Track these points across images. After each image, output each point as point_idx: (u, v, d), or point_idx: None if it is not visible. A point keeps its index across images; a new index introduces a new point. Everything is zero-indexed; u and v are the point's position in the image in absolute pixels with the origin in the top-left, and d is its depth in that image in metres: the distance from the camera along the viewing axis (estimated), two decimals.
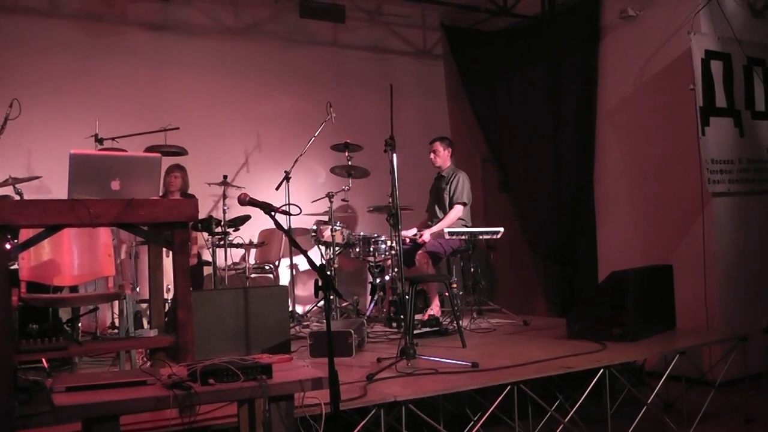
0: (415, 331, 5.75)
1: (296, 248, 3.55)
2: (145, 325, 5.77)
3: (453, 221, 6.92)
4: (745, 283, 6.65)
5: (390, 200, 5.65)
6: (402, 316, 6.20)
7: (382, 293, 7.13)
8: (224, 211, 7.25)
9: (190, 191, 7.29)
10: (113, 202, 3.71)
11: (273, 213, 3.60)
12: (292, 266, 7.78)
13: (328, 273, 7.02)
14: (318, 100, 7.75)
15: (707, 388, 5.46)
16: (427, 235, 6.86)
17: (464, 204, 7.05)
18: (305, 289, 8.37)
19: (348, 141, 7.56)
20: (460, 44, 9.31)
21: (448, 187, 7.12)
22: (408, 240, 7.00)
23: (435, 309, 6.82)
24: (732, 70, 6.75)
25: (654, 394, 5.09)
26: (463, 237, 6.73)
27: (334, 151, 7.76)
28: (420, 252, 6.78)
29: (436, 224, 7.04)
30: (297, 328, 6.68)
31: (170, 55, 7.96)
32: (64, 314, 5.53)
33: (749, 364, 5.62)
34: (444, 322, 6.45)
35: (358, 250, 7.29)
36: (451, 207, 7.07)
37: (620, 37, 7.42)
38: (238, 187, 7.33)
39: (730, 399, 5.52)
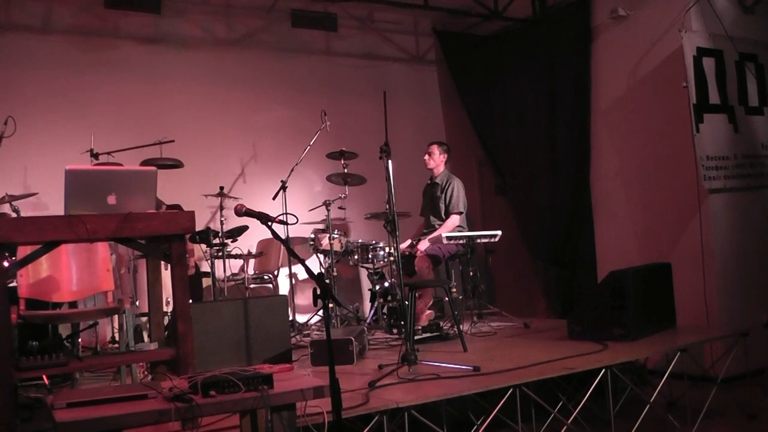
0: (416, 337, 5.75)
1: (294, 258, 3.55)
2: (146, 338, 5.77)
3: (450, 230, 6.92)
4: (744, 279, 6.65)
5: (387, 207, 5.66)
6: (402, 323, 6.19)
7: (381, 300, 7.13)
8: (222, 222, 7.26)
9: (188, 203, 7.25)
10: (110, 217, 3.71)
11: (270, 223, 3.60)
12: (291, 275, 7.77)
13: (327, 281, 7.02)
14: (312, 108, 7.76)
15: (710, 385, 5.45)
16: (423, 245, 6.86)
17: (461, 213, 7.06)
18: (305, 298, 8.36)
19: (343, 149, 7.57)
20: (452, 49, 9.34)
21: (443, 195, 7.13)
22: (406, 252, 7.02)
23: (424, 311, 6.80)
24: (724, 66, 6.77)
25: (656, 392, 5.09)
26: (461, 241, 6.74)
27: (329, 159, 7.77)
28: (420, 256, 6.78)
29: (431, 233, 7.05)
30: (297, 337, 6.68)
31: (164, 68, 7.97)
32: (64, 330, 5.53)
33: (750, 359, 5.63)
34: (444, 327, 6.45)
35: (356, 257, 7.30)
36: (447, 216, 7.08)
37: (612, 37, 7.44)
38: (234, 198, 7.34)
39: (733, 395, 5.52)
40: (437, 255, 6.82)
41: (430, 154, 7.27)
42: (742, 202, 6.78)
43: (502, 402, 4.34)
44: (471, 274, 7.05)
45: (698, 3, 6.65)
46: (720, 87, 6.72)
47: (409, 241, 7.26)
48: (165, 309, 4.93)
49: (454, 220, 7.03)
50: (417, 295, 6.61)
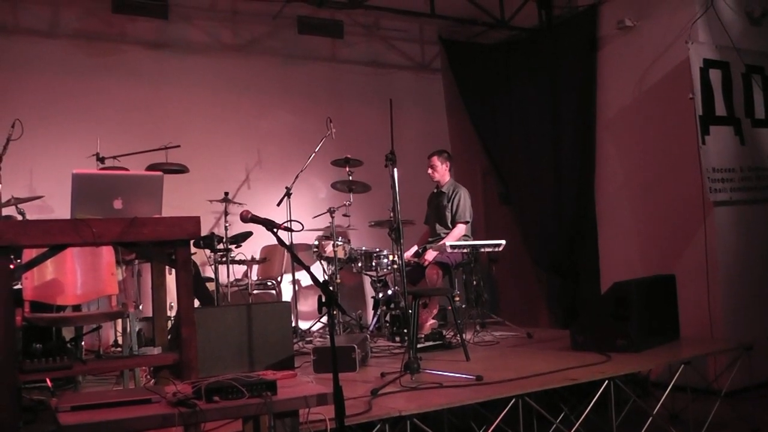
0: (419, 345, 5.75)
1: (299, 264, 3.55)
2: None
3: (456, 239, 6.91)
4: (749, 292, 6.63)
5: (391, 215, 5.66)
6: (405, 331, 6.19)
7: (384, 308, 7.13)
8: (226, 228, 7.26)
9: (193, 208, 7.22)
10: (116, 221, 3.72)
11: (275, 230, 3.60)
12: (295, 282, 7.78)
13: (331, 288, 7.01)
14: (318, 115, 7.77)
15: (713, 398, 5.43)
16: (430, 256, 6.86)
17: (467, 222, 7.06)
18: (308, 305, 8.36)
19: (348, 156, 7.58)
20: (458, 57, 9.34)
21: (450, 204, 7.12)
22: (412, 261, 7.01)
23: (428, 320, 6.79)
24: (731, 78, 6.76)
25: (659, 404, 5.07)
26: (465, 250, 6.73)
27: (334, 166, 7.78)
28: (430, 266, 6.77)
29: (436, 242, 7.04)
30: (300, 343, 6.67)
31: (170, 73, 7.99)
32: (68, 333, 5.52)
33: (754, 372, 5.61)
34: (447, 336, 6.44)
35: (360, 264, 7.29)
36: (453, 225, 7.08)
37: (618, 48, 7.43)
38: (239, 203, 7.34)
39: (736, 408, 5.50)
40: (447, 263, 6.81)
41: (432, 168, 7.23)
42: (747, 215, 6.76)
43: (504, 412, 4.33)
44: (474, 283, 7.05)
45: (705, 14, 6.64)
46: (726, 99, 6.71)
47: (414, 248, 7.25)
48: (169, 313, 4.94)
49: (461, 229, 7.02)
50: (422, 303, 6.61)
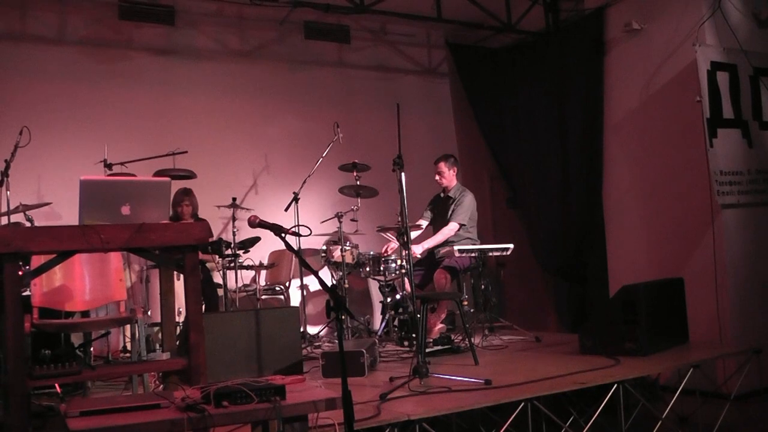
0: (427, 350, 5.74)
1: (307, 269, 3.55)
2: (157, 348, 5.78)
3: (444, 239, 6.90)
4: (758, 295, 6.60)
5: (399, 219, 5.66)
6: (413, 335, 6.19)
7: (392, 312, 7.13)
8: (234, 234, 7.27)
9: (201, 214, 7.28)
10: (124, 227, 3.73)
11: (283, 235, 3.61)
12: (303, 287, 7.78)
13: (339, 293, 7.01)
14: (325, 120, 7.78)
15: (722, 402, 5.41)
16: (418, 249, 6.84)
17: (461, 225, 6.99)
18: (316, 310, 8.37)
19: (356, 161, 7.58)
20: (465, 61, 9.35)
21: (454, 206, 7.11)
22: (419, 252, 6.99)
23: (436, 324, 6.78)
24: (738, 80, 6.74)
25: (668, 408, 5.06)
26: (473, 254, 6.72)
27: (342, 171, 7.78)
28: (438, 270, 6.76)
29: (442, 246, 7.00)
30: (308, 348, 6.68)
31: (177, 79, 8.02)
32: (76, 339, 5.54)
33: (764, 376, 5.59)
34: (456, 340, 6.43)
35: (368, 269, 7.29)
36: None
37: (625, 51, 7.42)
38: (247, 209, 7.35)
39: (746, 412, 5.49)
40: (455, 267, 6.80)
41: (440, 174, 7.19)
42: (755, 218, 6.74)
43: (513, 416, 4.32)
44: (483, 287, 7.04)
45: (713, 17, 6.63)
46: (734, 101, 6.69)
47: (424, 222, 7.25)
48: (177, 319, 4.94)
49: (452, 228, 6.96)
50: (431, 308, 6.59)
